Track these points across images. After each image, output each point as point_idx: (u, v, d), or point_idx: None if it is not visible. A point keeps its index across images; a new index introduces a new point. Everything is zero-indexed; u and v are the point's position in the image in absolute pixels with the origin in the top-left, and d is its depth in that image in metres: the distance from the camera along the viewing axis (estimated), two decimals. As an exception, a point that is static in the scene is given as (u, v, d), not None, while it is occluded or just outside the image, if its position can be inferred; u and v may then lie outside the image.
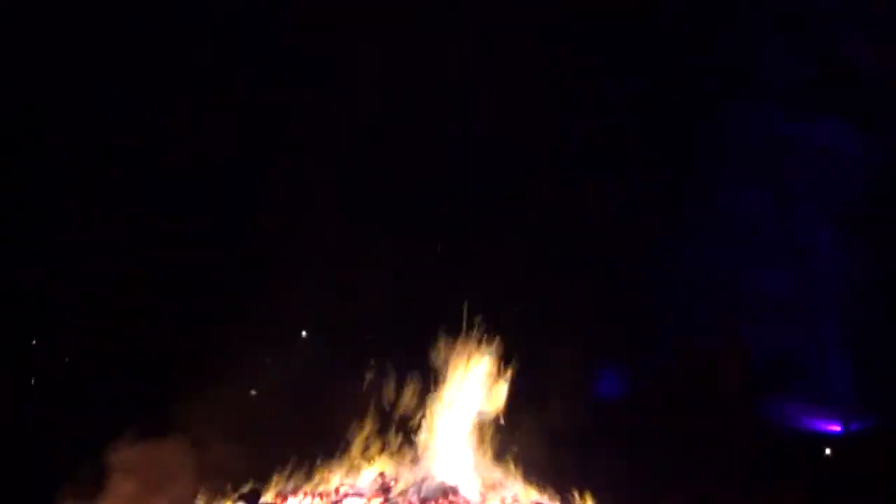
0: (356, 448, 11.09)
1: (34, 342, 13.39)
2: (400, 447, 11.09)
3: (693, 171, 15.11)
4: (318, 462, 11.02)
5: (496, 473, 11.10)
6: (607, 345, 14.19)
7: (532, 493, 11.01)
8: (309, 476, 10.94)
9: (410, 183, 12.64)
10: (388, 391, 11.18)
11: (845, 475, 13.02)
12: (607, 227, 14.32)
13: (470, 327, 11.28)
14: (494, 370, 11.23)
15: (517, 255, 11.79)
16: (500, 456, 11.21)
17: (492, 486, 10.89)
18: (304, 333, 13.18)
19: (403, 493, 10.47)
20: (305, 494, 10.68)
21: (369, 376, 11.35)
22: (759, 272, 15.36)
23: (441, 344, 11.20)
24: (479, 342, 11.25)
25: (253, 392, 12.45)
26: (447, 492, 10.54)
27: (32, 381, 13.29)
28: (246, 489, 10.18)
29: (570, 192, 13.52)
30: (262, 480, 10.62)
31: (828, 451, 14.95)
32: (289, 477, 10.85)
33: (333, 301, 12.21)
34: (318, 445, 11.10)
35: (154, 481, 10.18)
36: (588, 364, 13.70)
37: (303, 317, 12.85)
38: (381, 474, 10.91)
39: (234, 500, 10.01)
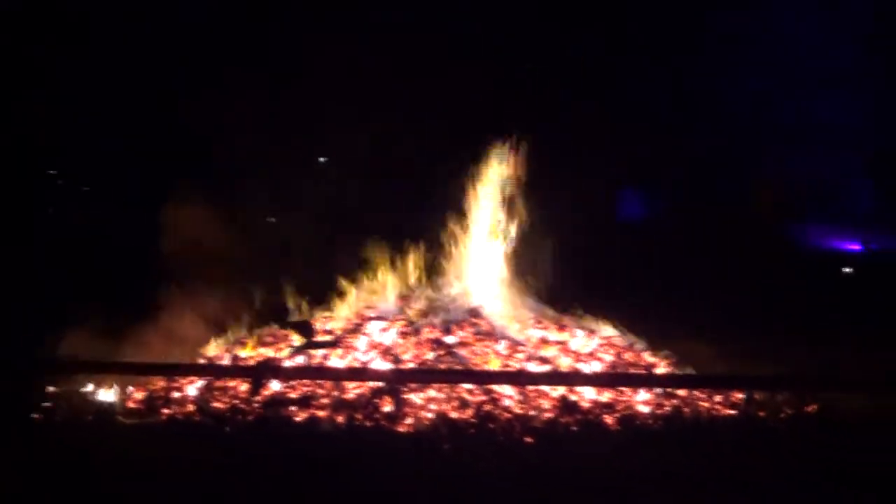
0: (378, 272, 11.09)
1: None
2: (422, 271, 11.08)
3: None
4: (340, 288, 11.05)
5: (518, 296, 11.13)
6: (634, 169, 14.10)
7: (553, 316, 11.06)
8: (331, 302, 10.99)
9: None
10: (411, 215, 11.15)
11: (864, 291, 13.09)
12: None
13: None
14: (517, 192, 11.11)
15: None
16: (520, 279, 11.21)
17: (514, 309, 10.93)
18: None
19: (426, 316, 10.50)
20: (327, 319, 10.72)
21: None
22: (789, 100, 15.24)
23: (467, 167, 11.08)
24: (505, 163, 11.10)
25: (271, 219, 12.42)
26: (470, 314, 10.58)
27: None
28: (294, 319, 10.17)
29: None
30: (285, 307, 10.63)
31: (848, 269, 15.10)
32: (311, 303, 10.89)
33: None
34: (340, 271, 11.10)
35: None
36: (613, 189, 13.66)
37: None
38: (404, 297, 10.93)
39: (286, 329, 10.05)
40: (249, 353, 10.14)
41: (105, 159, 12.89)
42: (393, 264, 11.01)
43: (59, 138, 12.85)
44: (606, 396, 9.04)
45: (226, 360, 10.05)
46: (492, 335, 10.18)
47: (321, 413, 8.43)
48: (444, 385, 8.83)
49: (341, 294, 10.96)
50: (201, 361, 10.09)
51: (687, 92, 14.47)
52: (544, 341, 10.35)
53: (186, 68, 12.51)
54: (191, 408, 8.79)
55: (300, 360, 9.70)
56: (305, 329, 9.80)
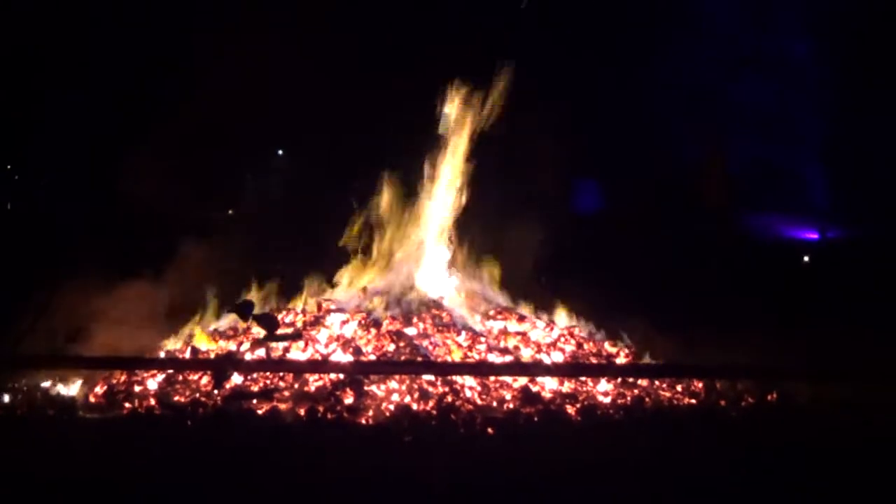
0: (339, 264, 11.08)
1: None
2: (383, 261, 11.08)
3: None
4: (301, 280, 11.02)
5: (478, 287, 11.17)
6: (587, 159, 14.13)
7: (512, 306, 11.11)
8: (291, 293, 10.97)
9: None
10: (370, 205, 11.11)
11: (822, 280, 13.23)
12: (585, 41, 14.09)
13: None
14: (473, 183, 11.12)
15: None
16: (480, 270, 11.25)
17: (474, 299, 10.96)
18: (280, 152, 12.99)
19: (386, 307, 10.49)
20: (288, 311, 10.69)
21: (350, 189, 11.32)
22: (739, 85, 15.33)
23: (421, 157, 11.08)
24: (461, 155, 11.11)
25: (230, 212, 12.36)
26: (430, 305, 10.59)
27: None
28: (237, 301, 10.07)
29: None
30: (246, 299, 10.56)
31: (806, 258, 15.26)
32: (270, 295, 10.86)
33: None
34: (300, 263, 11.08)
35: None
36: (567, 179, 13.67)
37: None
38: (364, 289, 10.92)
39: (226, 311, 9.97)
40: (211, 346, 10.10)
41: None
42: (353, 255, 11.02)
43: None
44: (568, 387, 9.09)
45: (187, 354, 9.99)
46: (452, 326, 10.22)
47: (283, 406, 8.42)
48: (406, 376, 8.84)
49: (303, 286, 10.97)
50: (162, 355, 10.04)
51: (641, 83, 14.55)
52: (505, 332, 10.39)
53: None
54: (152, 402, 8.74)
55: (261, 352, 9.66)
56: (268, 322, 9.76)
